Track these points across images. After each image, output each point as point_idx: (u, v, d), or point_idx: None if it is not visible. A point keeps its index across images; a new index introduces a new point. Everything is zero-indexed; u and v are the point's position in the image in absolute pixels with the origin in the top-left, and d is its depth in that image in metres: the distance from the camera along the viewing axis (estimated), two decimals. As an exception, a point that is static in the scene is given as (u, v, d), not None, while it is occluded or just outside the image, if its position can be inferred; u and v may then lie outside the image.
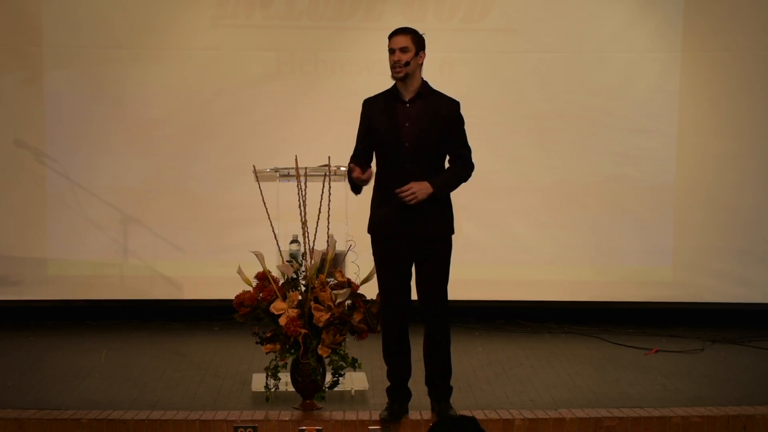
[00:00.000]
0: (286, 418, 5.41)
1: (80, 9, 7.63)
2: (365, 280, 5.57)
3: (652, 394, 6.00)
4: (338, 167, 5.88)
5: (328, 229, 5.60)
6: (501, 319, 7.78)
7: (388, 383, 5.51)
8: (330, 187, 5.60)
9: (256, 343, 5.56)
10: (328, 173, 5.68)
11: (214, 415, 5.46)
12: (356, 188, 5.39)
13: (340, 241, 5.68)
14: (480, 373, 6.40)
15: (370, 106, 5.41)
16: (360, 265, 5.69)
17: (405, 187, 5.20)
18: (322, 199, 5.56)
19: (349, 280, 5.59)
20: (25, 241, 7.72)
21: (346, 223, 6.02)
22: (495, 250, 7.79)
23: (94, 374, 6.35)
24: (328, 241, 5.56)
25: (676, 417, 5.49)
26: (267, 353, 5.55)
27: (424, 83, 5.37)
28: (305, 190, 5.63)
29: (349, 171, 5.36)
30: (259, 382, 5.79)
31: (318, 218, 5.57)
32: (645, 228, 7.83)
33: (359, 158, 5.40)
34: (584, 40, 7.75)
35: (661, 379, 6.34)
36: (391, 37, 5.34)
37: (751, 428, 5.48)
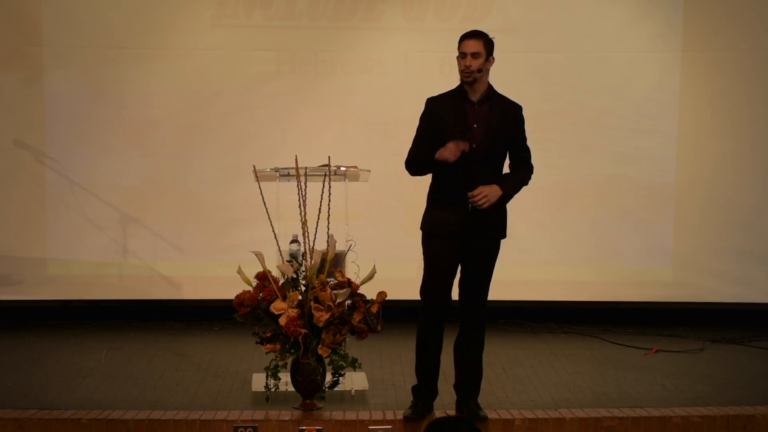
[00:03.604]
0: (286, 418, 5.41)
1: (80, 9, 7.63)
2: (365, 280, 5.57)
3: (652, 394, 6.00)
4: (338, 167, 5.87)
5: (328, 229, 5.60)
6: (501, 319, 7.77)
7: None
8: (330, 187, 5.60)
9: (256, 343, 5.55)
10: (328, 173, 5.68)
11: (214, 415, 5.45)
12: (425, 168, 5.32)
13: (340, 241, 5.68)
14: (480, 373, 6.39)
15: (437, 104, 5.33)
16: (360, 265, 5.69)
17: (476, 191, 5.18)
18: (322, 199, 5.56)
19: (349, 280, 5.58)
20: (25, 241, 7.71)
21: (346, 223, 6.02)
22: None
23: (94, 374, 6.35)
24: (328, 241, 5.56)
25: (676, 417, 5.49)
26: (267, 353, 5.55)
27: (490, 86, 5.35)
28: (305, 190, 5.62)
29: (426, 159, 5.23)
30: (259, 382, 5.79)
31: (318, 218, 5.57)
32: (645, 228, 7.82)
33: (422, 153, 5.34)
34: (584, 40, 7.75)
35: (661, 379, 6.33)
36: (463, 40, 5.28)
37: (751, 428, 5.48)
